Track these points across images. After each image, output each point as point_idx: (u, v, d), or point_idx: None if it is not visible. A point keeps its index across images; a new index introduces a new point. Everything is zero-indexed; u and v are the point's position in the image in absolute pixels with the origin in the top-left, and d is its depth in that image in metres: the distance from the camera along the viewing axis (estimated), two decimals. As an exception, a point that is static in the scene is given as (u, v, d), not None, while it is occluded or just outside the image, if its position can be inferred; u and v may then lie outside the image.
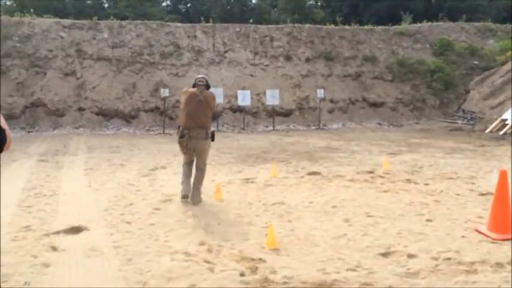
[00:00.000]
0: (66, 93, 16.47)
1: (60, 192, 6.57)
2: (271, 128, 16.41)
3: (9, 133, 2.09)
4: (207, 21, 20.49)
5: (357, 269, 3.71)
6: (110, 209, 5.63)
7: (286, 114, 17.81)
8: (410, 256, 3.98)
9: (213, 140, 6.00)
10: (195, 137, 5.80)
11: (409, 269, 3.71)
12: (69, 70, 16.96)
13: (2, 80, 15.81)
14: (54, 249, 4.21)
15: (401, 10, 24.92)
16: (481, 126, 15.56)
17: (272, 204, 5.82)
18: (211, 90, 6.26)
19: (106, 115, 16.44)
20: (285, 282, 3.47)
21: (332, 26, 21.19)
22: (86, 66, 17.21)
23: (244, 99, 16.46)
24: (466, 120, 17.33)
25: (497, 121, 14.85)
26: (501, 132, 14.00)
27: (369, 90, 19.12)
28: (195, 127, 5.79)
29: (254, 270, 3.69)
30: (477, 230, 4.67)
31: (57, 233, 4.67)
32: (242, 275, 3.61)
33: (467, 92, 18.89)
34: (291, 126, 17.09)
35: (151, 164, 8.86)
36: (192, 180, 5.94)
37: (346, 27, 21.28)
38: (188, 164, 6.03)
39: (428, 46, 20.94)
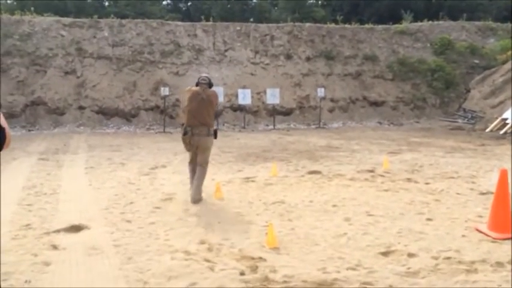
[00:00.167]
0: (67, 91, 16.47)
1: (60, 191, 6.58)
2: (271, 127, 16.41)
3: (9, 131, 2.09)
4: (207, 20, 20.45)
5: (357, 268, 3.71)
6: (110, 207, 5.64)
7: (287, 113, 17.81)
8: (410, 255, 3.98)
9: (215, 137, 6.08)
10: (198, 134, 5.90)
11: (409, 268, 3.71)
12: (69, 69, 16.95)
13: (2, 78, 15.81)
14: (54, 247, 4.22)
15: (402, 9, 24.88)
16: (481, 125, 15.56)
17: (272, 203, 5.82)
18: (213, 88, 6.31)
19: (106, 114, 16.44)
20: (285, 281, 3.47)
21: (332, 25, 21.17)
22: (86, 64, 17.20)
23: (244, 98, 16.46)
24: (466, 119, 17.33)
25: (498, 120, 14.85)
26: (501, 132, 13.99)
27: (370, 89, 19.11)
28: (198, 125, 5.89)
29: (254, 269, 3.69)
30: (477, 229, 4.66)
31: (58, 231, 4.67)
32: (242, 273, 3.61)
33: (468, 91, 18.89)
34: (292, 125, 17.09)
35: (152, 163, 8.87)
36: None
37: (347, 26, 21.26)
38: (193, 163, 6.12)
39: (428, 45, 20.92)
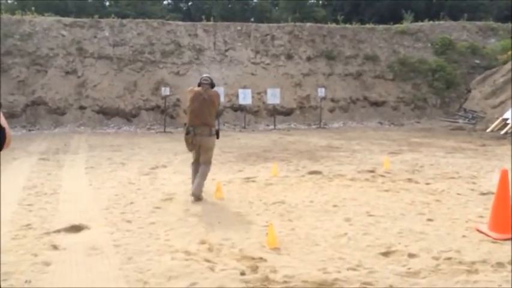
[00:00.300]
0: (67, 91, 16.48)
1: (60, 191, 6.58)
2: (272, 127, 16.40)
3: (10, 131, 2.09)
4: (208, 20, 20.46)
5: (357, 269, 3.71)
6: (111, 207, 5.64)
7: (287, 113, 17.80)
8: (411, 255, 3.97)
9: (217, 137, 6.15)
10: (200, 134, 5.96)
11: (409, 268, 3.71)
12: (70, 68, 16.96)
13: (3, 78, 15.81)
14: (54, 247, 4.22)
15: (403, 9, 24.86)
16: (482, 125, 15.54)
17: (273, 203, 5.82)
18: (214, 88, 6.34)
19: (107, 114, 16.45)
20: (285, 282, 3.46)
21: (333, 25, 21.17)
22: (87, 64, 17.21)
23: (245, 98, 16.46)
24: (467, 119, 17.31)
25: (499, 120, 14.83)
26: (502, 132, 13.97)
27: (370, 89, 19.10)
28: (200, 124, 5.96)
29: (254, 269, 3.69)
30: (478, 230, 4.66)
31: (58, 231, 4.67)
32: (242, 274, 3.61)
33: (469, 91, 18.86)
34: (292, 125, 17.09)
35: (152, 163, 8.87)
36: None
37: (348, 26, 21.26)
38: (196, 163, 6.14)
39: (429, 45, 20.90)
